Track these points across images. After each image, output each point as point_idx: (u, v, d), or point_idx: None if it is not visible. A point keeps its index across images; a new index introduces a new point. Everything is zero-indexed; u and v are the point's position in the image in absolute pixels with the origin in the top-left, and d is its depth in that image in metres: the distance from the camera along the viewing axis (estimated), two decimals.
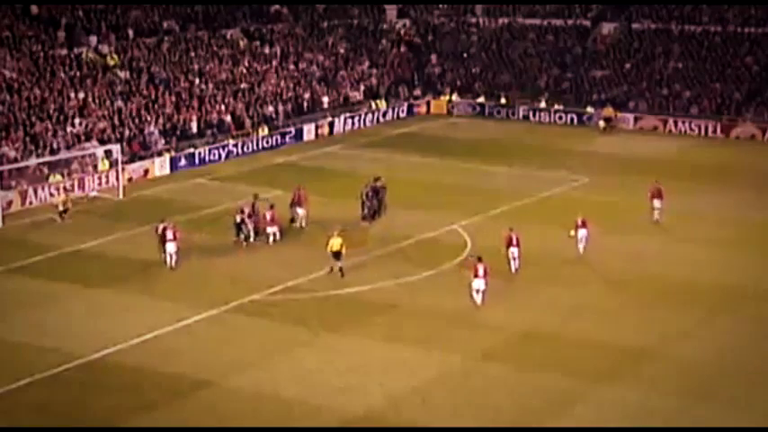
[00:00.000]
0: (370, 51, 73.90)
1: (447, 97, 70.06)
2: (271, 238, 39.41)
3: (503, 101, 68.53)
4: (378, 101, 68.09)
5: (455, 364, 29.38)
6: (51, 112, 54.19)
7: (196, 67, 63.75)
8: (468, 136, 60.86)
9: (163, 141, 55.20)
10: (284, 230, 40.70)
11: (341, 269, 35.98)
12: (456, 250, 38.99)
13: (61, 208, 43.91)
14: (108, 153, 49.78)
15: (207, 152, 55.83)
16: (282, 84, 65.54)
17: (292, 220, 42.15)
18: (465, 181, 49.75)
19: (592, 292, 34.83)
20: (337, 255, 35.88)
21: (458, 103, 69.43)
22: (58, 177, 48.56)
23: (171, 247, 37.07)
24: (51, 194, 46.77)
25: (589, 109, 65.38)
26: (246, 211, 39.86)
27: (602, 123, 62.50)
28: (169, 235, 37.16)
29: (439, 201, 45.44)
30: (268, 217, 39.99)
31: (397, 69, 72.35)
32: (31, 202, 46.69)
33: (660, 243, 39.70)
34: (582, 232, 37.58)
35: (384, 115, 66.96)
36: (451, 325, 32.30)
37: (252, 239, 39.27)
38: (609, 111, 63.45)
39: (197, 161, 54.53)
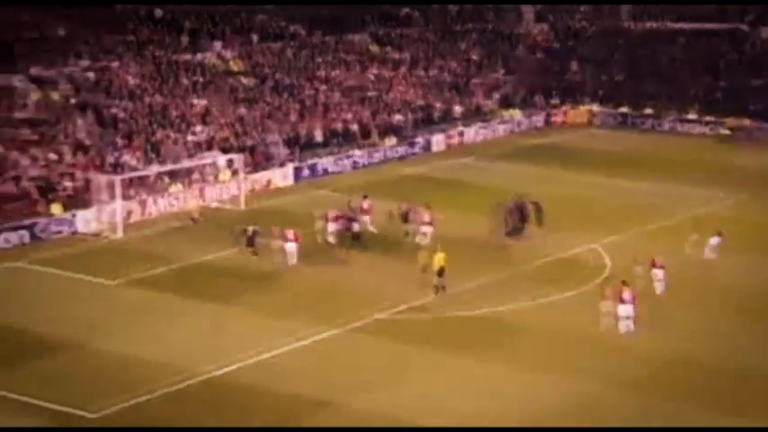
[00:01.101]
0: (505, 57, 73.87)
1: (587, 106, 69.53)
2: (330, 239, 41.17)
3: (648, 111, 67.40)
4: (512, 110, 68.06)
5: (592, 392, 29.20)
6: (173, 119, 55.87)
7: (322, 73, 64.77)
8: (610, 148, 60.45)
9: (286, 151, 56.18)
10: (399, 244, 41.70)
11: (442, 287, 36.29)
12: (596, 271, 38.96)
13: (196, 215, 45.93)
14: (230, 162, 51.03)
15: (331, 163, 56.52)
16: (411, 91, 66.12)
17: (406, 234, 42.89)
18: (606, 197, 49.52)
19: (735, 317, 34.49)
20: (440, 272, 36.10)
21: (599, 113, 68.98)
22: (179, 187, 50.04)
23: (291, 248, 38.88)
24: (171, 204, 48.35)
25: (746, 122, 63.65)
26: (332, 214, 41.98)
27: (724, 131, 60.79)
28: (290, 235, 39.15)
29: (578, 217, 45.35)
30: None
31: (534, 77, 71.56)
32: (150, 213, 47.94)
33: None
34: (715, 240, 38.23)
35: (519, 126, 66.83)
36: (588, 350, 32.19)
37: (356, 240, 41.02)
38: (732, 121, 61.74)
39: (321, 172, 55.43)
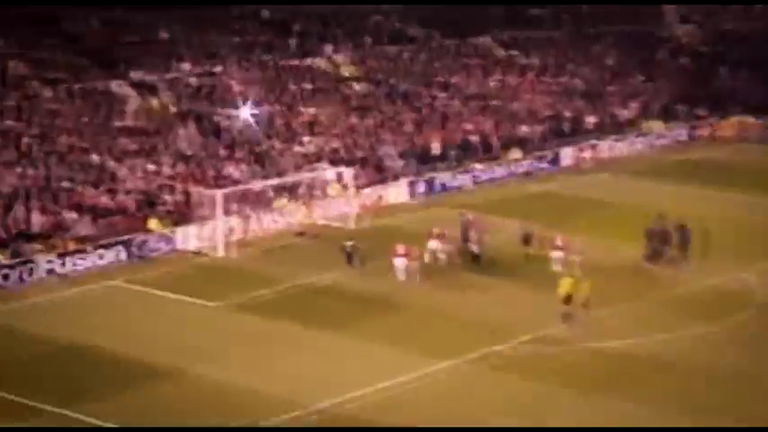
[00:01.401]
0: (645, 62, 73.12)
1: (738, 118, 68.41)
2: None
3: None
4: (652, 122, 67.38)
5: None
6: (279, 128, 57.00)
7: (441, 79, 65.21)
8: (764, 165, 59.45)
9: (401, 164, 56.82)
10: (519, 268, 42.00)
11: (571, 316, 36.28)
12: (745, 302, 38.73)
13: (303, 233, 46.93)
14: (339, 176, 51.76)
15: (450, 177, 56.81)
16: (539, 100, 66.07)
17: (527, 257, 43.43)
18: (760, 220, 49.06)
19: None
20: (568, 299, 36.23)
21: (752, 126, 67.58)
22: (284, 202, 50.76)
23: (400, 263, 40.39)
24: (276, 221, 49.05)
25: None
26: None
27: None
28: (400, 250, 40.62)
29: (726, 242, 44.72)
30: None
31: (677, 84, 70.93)
32: (254, 230, 48.61)
33: None
34: (556, 255, 39.18)
35: (659, 139, 66.11)
36: (746, 391, 31.86)
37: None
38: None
39: (438, 187, 55.81)
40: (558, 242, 42.00)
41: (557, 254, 41.81)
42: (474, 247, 42.92)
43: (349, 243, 42.71)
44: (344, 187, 51.10)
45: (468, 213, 45.05)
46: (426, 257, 42.65)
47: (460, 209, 45.32)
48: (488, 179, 57.23)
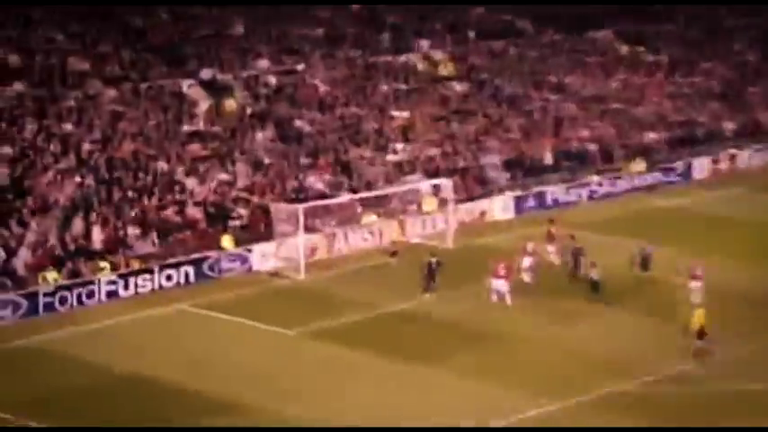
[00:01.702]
0: None
1: None
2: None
3: None
4: None
5: None
6: (369, 134, 57.26)
7: (553, 79, 64.72)
8: None
9: (506, 175, 56.93)
10: (638, 294, 41.93)
11: (704, 351, 36.17)
12: None
13: (395, 253, 46.97)
14: (436, 189, 52.13)
15: (563, 191, 56.79)
16: (668, 103, 65.65)
17: (644, 281, 43.44)
18: None
19: None
20: (701, 333, 36.41)
21: None
22: (374, 218, 51.11)
23: (499, 285, 40.90)
24: (364, 239, 49.62)
25: None
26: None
27: None
28: (500, 271, 41.20)
29: None
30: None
31: None
32: (339, 249, 49.13)
33: None
34: (694, 285, 39.07)
35: None
36: None
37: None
38: None
39: (549, 202, 55.80)
40: (698, 271, 41.75)
41: (695, 284, 41.56)
42: (593, 274, 43.04)
43: (433, 259, 43.05)
44: (442, 201, 51.40)
45: (575, 240, 45.39)
46: (527, 277, 43.46)
47: (570, 234, 45.78)
48: (607, 194, 57.26)
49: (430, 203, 51.77)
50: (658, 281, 43.20)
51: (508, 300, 41.59)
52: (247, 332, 39.84)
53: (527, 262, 43.90)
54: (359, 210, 50.45)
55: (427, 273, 43.07)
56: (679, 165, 60.66)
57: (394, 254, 47.17)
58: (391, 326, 40.32)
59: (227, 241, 47.13)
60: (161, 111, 54.32)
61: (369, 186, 51.96)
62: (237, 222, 48.64)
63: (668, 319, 39.27)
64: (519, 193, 55.23)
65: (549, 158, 58.34)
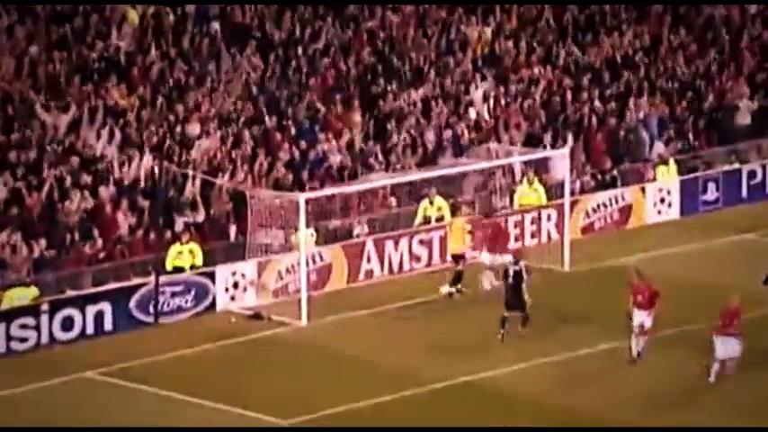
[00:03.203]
0: None
1: None
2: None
3: None
4: None
5: None
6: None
7: None
8: None
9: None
10: None
11: None
12: None
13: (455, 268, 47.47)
14: (539, 167, 52.08)
15: None
16: None
17: None
18: None
19: None
20: None
21: None
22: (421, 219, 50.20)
23: (641, 318, 41.13)
24: (416, 256, 48.76)
25: None
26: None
27: None
28: (640, 297, 41.37)
29: None
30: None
31: None
32: (371, 271, 47.70)
33: None
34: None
35: None
36: None
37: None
38: None
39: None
40: None
41: None
42: None
43: (516, 267, 43.48)
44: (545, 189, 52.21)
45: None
46: None
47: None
48: None
49: (528, 194, 51.10)
50: None
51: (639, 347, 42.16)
52: (212, 422, 38.54)
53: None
54: (393, 203, 50.64)
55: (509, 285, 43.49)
56: None
57: (456, 280, 46.82)
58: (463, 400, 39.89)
59: (178, 258, 46.21)
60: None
61: (427, 160, 51.96)
62: (185, 221, 48.04)
63: None
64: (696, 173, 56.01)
65: (747, 111, 57.93)
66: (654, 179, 54.05)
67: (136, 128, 50.52)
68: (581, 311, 44.97)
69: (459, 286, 46.92)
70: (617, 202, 52.82)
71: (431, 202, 50.05)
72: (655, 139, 56.50)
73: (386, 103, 54.22)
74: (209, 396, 39.72)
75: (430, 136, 53.56)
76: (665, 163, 54.24)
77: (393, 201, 50.72)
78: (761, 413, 38.83)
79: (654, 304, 42.28)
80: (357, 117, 53.17)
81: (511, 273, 44.11)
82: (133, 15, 54.43)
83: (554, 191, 51.34)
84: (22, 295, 42.96)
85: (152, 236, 46.91)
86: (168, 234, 47.25)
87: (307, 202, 45.58)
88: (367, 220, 49.11)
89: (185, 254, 45.95)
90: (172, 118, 51.59)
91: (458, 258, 47.58)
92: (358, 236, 48.48)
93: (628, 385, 40.72)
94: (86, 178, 47.80)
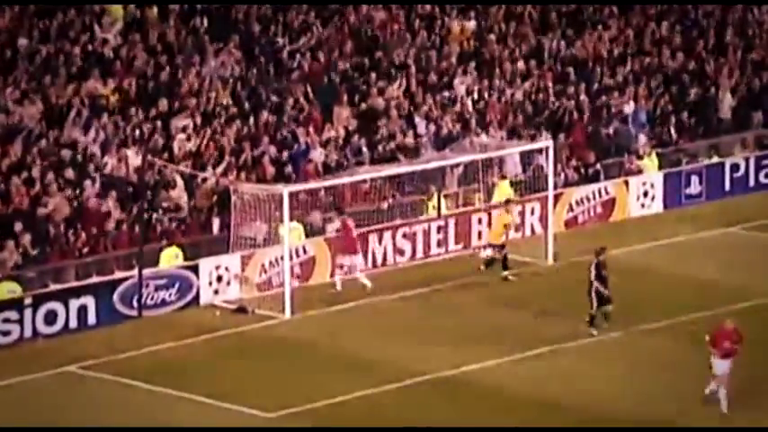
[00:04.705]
0: None
1: None
2: None
3: None
4: None
5: None
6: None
7: None
8: None
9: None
10: None
11: None
12: None
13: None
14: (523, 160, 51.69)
15: None
16: None
17: None
18: None
19: None
20: None
21: None
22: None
23: (723, 368, 38.84)
24: (400, 250, 48.41)
25: None
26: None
27: None
28: (727, 340, 38.33)
29: None
30: None
31: None
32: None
33: None
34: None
35: None
36: None
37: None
38: None
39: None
40: None
41: None
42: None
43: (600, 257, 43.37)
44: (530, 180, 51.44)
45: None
46: None
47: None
48: None
49: (504, 189, 50.40)
50: None
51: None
52: (197, 415, 37.85)
53: None
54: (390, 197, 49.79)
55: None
56: None
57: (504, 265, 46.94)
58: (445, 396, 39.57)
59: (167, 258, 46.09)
60: None
61: (405, 154, 51.04)
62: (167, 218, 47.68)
63: None
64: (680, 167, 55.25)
65: (727, 105, 57.33)
66: (637, 172, 53.20)
67: (120, 122, 49.53)
68: (565, 305, 44.41)
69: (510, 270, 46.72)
70: (600, 195, 52.60)
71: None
72: (639, 133, 56.46)
73: (371, 98, 53.75)
74: (193, 389, 39.49)
75: (415, 130, 53.12)
76: (648, 156, 54.30)
77: (391, 194, 49.98)
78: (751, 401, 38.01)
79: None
80: (345, 112, 52.68)
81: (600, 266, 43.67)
82: (117, 9, 53.87)
83: (537, 184, 50.78)
84: (11, 289, 42.85)
85: (136, 229, 46.33)
86: (152, 230, 47.04)
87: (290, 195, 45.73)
88: (350, 214, 48.12)
89: (180, 257, 45.73)
90: (154, 112, 50.51)
91: (496, 247, 47.54)
92: (338, 231, 47.85)
93: (613, 379, 40.21)
94: (70, 173, 47.34)
